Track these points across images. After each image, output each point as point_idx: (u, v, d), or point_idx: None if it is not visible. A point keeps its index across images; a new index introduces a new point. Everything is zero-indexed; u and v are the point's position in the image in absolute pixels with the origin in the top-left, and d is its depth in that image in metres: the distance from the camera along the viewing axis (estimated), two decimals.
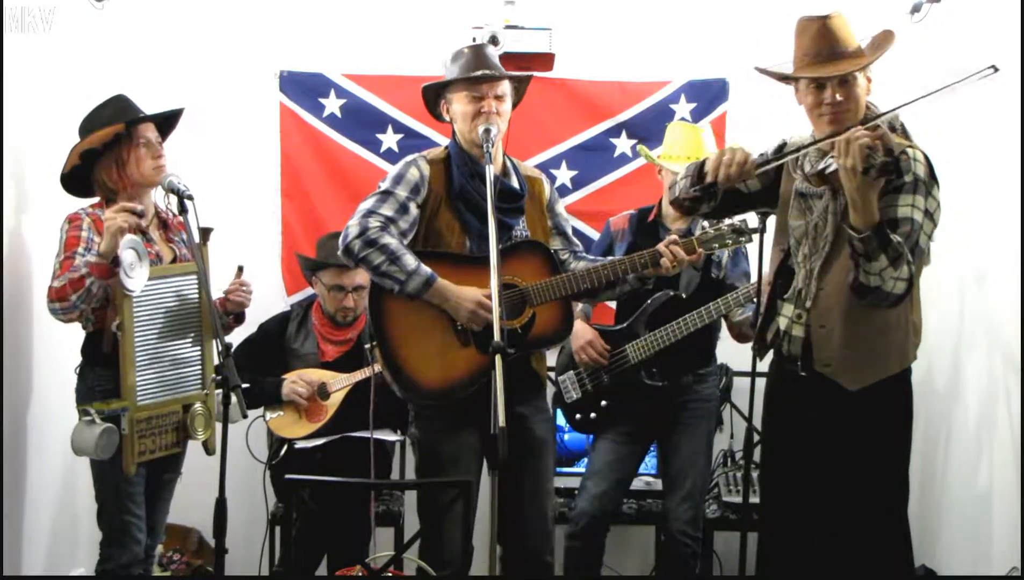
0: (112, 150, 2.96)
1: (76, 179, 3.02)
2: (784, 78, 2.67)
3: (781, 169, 2.74)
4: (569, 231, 3.17)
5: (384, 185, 2.92)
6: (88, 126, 3.00)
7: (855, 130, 2.36)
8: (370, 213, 2.85)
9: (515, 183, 3.03)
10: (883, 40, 2.60)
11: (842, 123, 2.52)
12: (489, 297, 2.71)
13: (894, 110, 2.55)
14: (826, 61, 2.55)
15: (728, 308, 3.42)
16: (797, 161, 2.66)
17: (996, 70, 2.43)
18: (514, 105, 3.07)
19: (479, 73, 2.92)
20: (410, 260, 2.80)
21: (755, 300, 3.38)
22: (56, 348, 3.29)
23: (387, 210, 2.86)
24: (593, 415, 3.60)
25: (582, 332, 3.52)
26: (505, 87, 2.97)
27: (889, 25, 3.89)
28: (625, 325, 3.54)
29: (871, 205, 2.36)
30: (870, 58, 2.56)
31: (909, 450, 2.67)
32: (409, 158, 3.00)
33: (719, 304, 3.41)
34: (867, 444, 2.58)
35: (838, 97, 2.54)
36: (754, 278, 3.48)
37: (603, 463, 3.59)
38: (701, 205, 2.77)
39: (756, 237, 3.15)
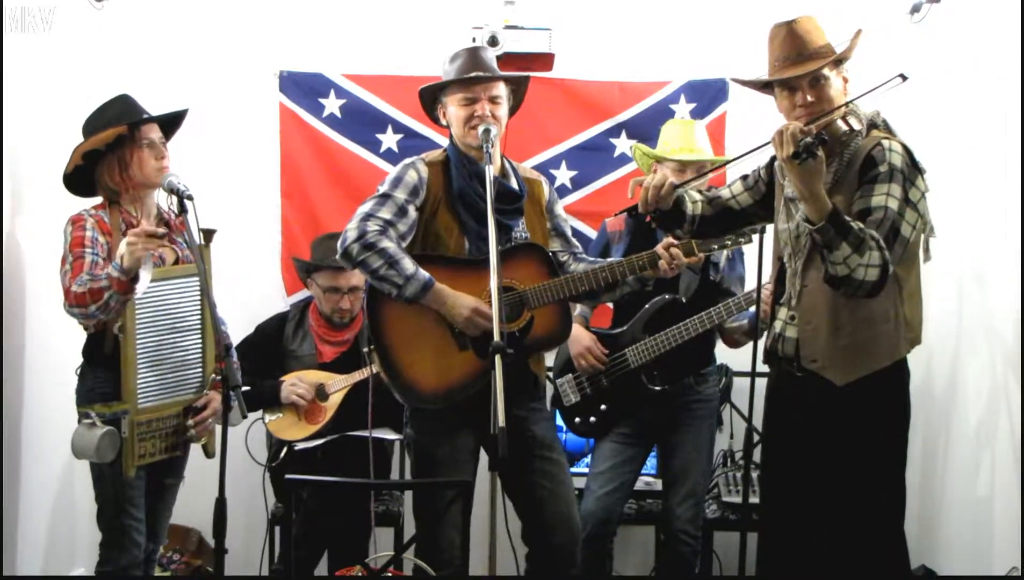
0: (115, 151, 2.95)
1: (79, 179, 3.00)
2: (759, 85, 2.68)
3: (773, 183, 2.78)
4: (568, 232, 3.16)
5: (383, 188, 2.91)
6: (92, 126, 2.98)
7: (788, 124, 2.40)
8: (368, 216, 2.84)
9: (514, 184, 3.02)
10: (853, 38, 2.59)
11: None
12: (487, 303, 2.70)
13: (840, 108, 2.54)
14: (795, 63, 2.56)
15: (730, 313, 3.41)
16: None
17: (904, 79, 2.46)
18: (514, 109, 3.06)
19: (473, 74, 2.91)
20: (408, 264, 2.79)
21: (752, 308, 3.40)
22: (52, 350, 3.30)
23: (385, 213, 2.85)
24: (593, 419, 3.57)
25: (580, 337, 3.50)
26: (500, 89, 2.96)
27: (889, 25, 3.92)
28: (624, 328, 3.52)
29: (819, 195, 2.37)
30: (836, 56, 2.55)
31: (905, 446, 2.65)
32: (408, 160, 2.99)
33: (720, 310, 3.40)
34: (860, 441, 2.57)
35: (809, 98, 2.54)
36: (750, 284, 3.48)
37: (607, 465, 3.56)
38: (673, 227, 2.83)
39: (756, 239, 3.15)
